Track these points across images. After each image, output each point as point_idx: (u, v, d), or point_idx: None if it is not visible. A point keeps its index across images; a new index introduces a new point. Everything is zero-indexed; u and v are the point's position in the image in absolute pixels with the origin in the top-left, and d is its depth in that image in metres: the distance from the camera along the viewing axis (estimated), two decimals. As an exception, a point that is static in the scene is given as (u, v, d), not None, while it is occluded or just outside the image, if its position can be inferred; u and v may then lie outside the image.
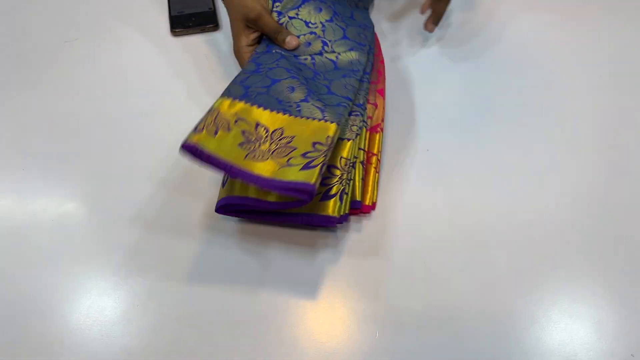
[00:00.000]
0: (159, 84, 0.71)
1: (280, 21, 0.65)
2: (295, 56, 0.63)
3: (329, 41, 0.64)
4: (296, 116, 0.54)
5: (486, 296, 0.52)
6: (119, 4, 0.79)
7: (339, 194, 0.53)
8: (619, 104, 0.68)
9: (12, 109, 0.69)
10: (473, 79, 0.70)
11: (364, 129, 0.59)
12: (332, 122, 0.53)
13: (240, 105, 0.54)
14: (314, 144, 0.51)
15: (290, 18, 0.66)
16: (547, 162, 0.62)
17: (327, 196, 0.53)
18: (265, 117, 0.54)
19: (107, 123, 0.67)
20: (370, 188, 0.57)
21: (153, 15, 0.78)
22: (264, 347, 0.49)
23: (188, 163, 0.60)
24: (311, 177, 0.47)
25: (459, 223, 0.57)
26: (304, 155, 0.50)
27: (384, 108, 0.64)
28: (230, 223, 0.57)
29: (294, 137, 0.52)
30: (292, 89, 0.56)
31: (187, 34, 0.76)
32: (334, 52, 0.63)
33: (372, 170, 0.58)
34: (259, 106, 0.54)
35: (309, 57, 0.63)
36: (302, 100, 0.55)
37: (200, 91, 0.70)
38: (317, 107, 0.55)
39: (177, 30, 0.76)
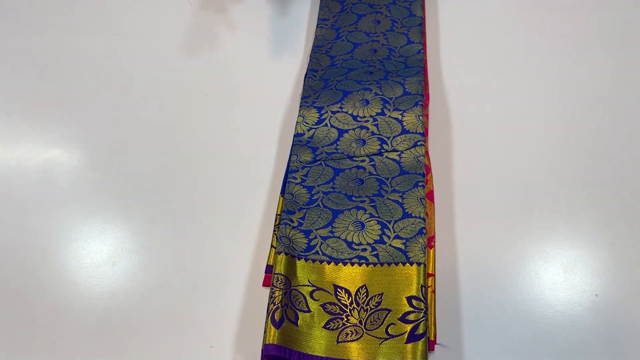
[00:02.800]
0: (141, 27, 0.71)
1: (322, 116, 0.58)
2: (350, 157, 0.55)
3: (387, 138, 0.56)
4: (375, 264, 0.47)
5: (457, 238, 0.53)
6: None
7: (425, 332, 0.44)
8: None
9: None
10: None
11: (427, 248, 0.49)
12: (418, 264, 0.46)
13: (308, 266, 0.47)
14: (410, 300, 0.45)
15: (334, 113, 0.58)
16: (526, 107, 0.62)
17: (414, 336, 0.44)
18: (341, 274, 0.47)
19: (91, 66, 0.67)
20: (433, 318, 0.47)
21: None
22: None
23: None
24: (421, 355, 0.42)
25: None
26: (403, 319, 0.44)
27: (434, 215, 0.53)
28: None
29: (382, 294, 0.46)
30: (362, 226, 0.50)
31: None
32: (395, 150, 0.55)
33: (432, 295, 0.48)
34: (330, 261, 0.48)
35: (366, 159, 0.54)
36: (377, 242, 0.49)
37: (180, 33, 0.70)
38: (397, 247, 0.48)
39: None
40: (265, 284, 0.50)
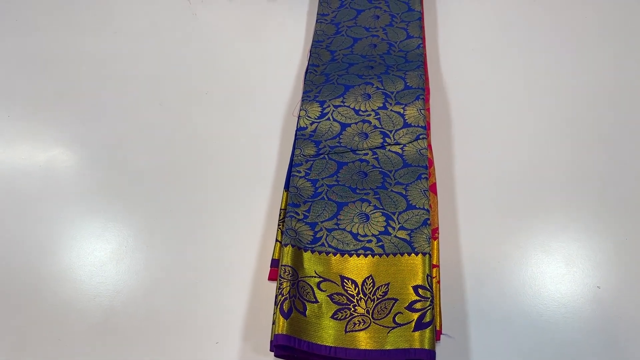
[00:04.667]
0: (141, 26, 0.72)
1: (325, 110, 0.59)
2: (353, 150, 0.55)
3: (389, 132, 0.56)
4: (381, 255, 0.48)
5: (460, 231, 0.53)
6: None
7: (432, 321, 0.44)
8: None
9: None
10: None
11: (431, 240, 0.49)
12: (424, 254, 0.47)
13: (314, 257, 0.48)
14: (416, 289, 0.45)
15: (336, 107, 0.58)
16: (525, 100, 0.63)
17: (421, 325, 0.44)
18: (347, 265, 0.47)
19: (92, 64, 0.68)
20: (438, 309, 0.48)
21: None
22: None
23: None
24: (429, 342, 0.43)
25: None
26: (409, 308, 0.45)
27: (437, 207, 0.54)
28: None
29: (388, 284, 0.46)
30: (367, 218, 0.50)
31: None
32: (398, 143, 0.55)
33: (437, 286, 0.49)
34: (336, 253, 0.48)
35: (369, 152, 0.55)
36: (382, 233, 0.49)
37: (180, 31, 0.71)
38: (402, 238, 0.48)
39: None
40: (270, 278, 0.51)
